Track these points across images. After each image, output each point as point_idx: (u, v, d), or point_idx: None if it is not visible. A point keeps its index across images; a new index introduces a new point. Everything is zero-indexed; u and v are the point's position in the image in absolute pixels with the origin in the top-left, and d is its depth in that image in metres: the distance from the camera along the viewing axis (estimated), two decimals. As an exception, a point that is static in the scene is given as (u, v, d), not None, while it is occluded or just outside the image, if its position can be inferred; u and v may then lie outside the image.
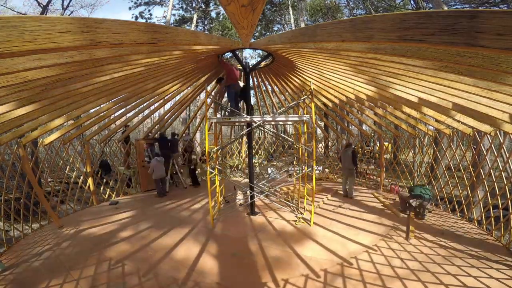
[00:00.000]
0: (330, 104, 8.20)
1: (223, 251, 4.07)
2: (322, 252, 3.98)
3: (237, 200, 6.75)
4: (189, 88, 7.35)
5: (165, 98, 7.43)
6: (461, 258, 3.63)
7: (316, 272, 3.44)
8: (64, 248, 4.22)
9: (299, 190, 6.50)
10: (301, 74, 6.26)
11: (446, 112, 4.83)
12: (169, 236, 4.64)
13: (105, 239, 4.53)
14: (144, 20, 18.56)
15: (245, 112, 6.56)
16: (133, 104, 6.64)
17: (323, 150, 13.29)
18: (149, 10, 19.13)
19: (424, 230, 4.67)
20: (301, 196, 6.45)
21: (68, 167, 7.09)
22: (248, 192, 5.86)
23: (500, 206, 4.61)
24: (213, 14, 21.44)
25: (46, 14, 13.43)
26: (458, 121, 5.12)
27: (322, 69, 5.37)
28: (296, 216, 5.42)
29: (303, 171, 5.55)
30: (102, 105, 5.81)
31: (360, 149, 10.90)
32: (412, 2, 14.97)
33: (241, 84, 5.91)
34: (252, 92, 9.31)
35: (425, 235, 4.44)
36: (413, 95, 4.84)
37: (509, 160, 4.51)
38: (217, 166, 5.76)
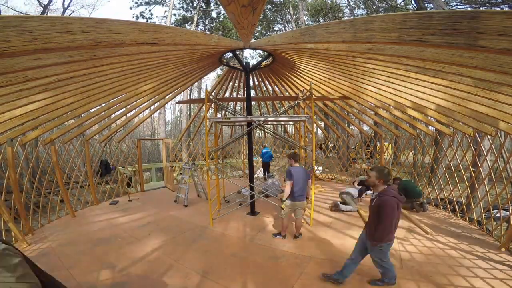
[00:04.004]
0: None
1: (222, 251, 4.05)
2: (325, 252, 3.94)
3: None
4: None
5: (166, 98, 7.44)
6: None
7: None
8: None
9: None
10: (301, 74, 6.25)
11: (447, 113, 4.83)
12: (169, 238, 4.64)
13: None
14: (144, 20, 18.61)
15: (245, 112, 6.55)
16: (133, 103, 6.64)
17: (322, 150, 13.26)
18: (149, 10, 19.18)
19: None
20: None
21: (68, 166, 7.10)
22: (248, 192, 5.85)
23: (500, 207, 4.60)
24: (213, 14, 21.50)
25: (47, 14, 13.43)
26: (459, 121, 5.11)
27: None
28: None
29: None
30: (102, 104, 5.81)
31: (360, 149, 10.88)
32: (413, 2, 14.94)
33: None
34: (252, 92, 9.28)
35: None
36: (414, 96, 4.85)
37: (510, 161, 4.51)
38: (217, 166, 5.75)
